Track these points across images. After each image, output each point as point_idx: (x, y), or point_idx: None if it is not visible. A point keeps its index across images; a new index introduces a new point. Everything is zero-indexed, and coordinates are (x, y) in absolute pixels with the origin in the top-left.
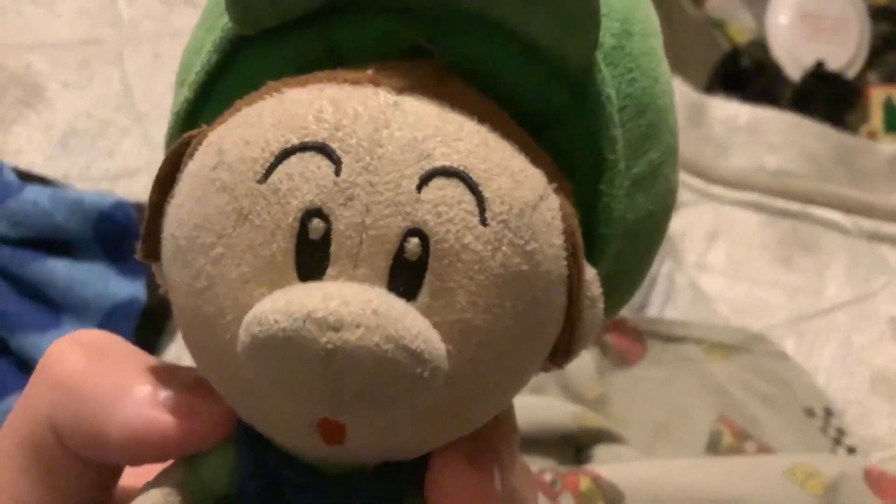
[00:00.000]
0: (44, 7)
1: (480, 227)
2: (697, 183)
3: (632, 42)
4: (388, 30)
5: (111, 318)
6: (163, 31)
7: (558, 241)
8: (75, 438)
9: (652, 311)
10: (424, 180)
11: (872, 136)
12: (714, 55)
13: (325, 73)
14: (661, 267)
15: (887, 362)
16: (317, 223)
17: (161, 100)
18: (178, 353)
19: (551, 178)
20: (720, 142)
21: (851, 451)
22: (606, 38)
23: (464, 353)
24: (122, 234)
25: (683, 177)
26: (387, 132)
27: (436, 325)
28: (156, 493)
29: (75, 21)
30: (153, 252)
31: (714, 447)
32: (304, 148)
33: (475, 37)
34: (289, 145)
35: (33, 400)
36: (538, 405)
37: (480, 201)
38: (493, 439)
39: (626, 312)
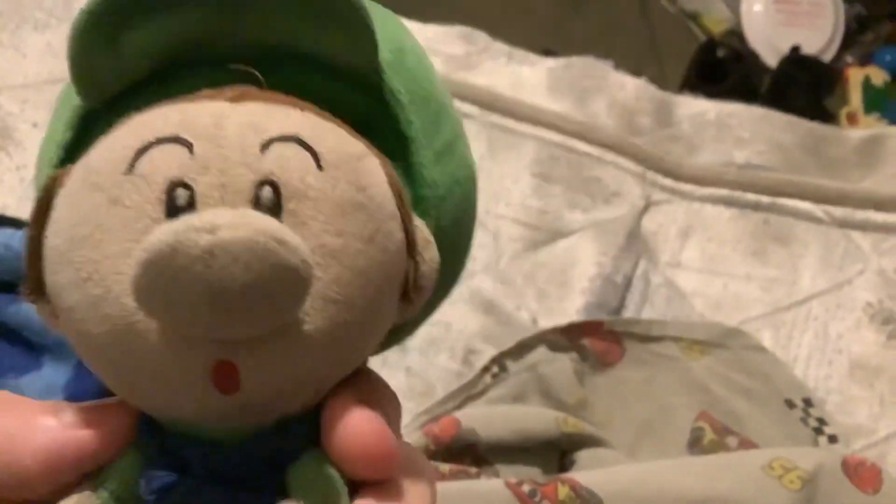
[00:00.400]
0: (10, 48)
1: (318, 172)
2: (668, 182)
3: (406, 57)
4: (216, 78)
5: None
6: None
7: (385, 185)
8: None
9: (628, 311)
10: (265, 146)
11: (852, 117)
12: (691, 47)
13: (167, 102)
14: (636, 267)
15: (865, 349)
16: (181, 191)
17: None
18: None
19: (368, 148)
20: (689, 139)
21: (833, 439)
22: (386, 54)
23: (328, 272)
24: None
25: (654, 176)
26: (227, 121)
27: None
28: (72, 499)
29: (42, 60)
30: (38, 286)
31: (696, 444)
32: (159, 141)
33: (287, 69)
34: (146, 142)
35: None
36: (519, 413)
37: (314, 154)
38: (377, 397)
39: (602, 315)
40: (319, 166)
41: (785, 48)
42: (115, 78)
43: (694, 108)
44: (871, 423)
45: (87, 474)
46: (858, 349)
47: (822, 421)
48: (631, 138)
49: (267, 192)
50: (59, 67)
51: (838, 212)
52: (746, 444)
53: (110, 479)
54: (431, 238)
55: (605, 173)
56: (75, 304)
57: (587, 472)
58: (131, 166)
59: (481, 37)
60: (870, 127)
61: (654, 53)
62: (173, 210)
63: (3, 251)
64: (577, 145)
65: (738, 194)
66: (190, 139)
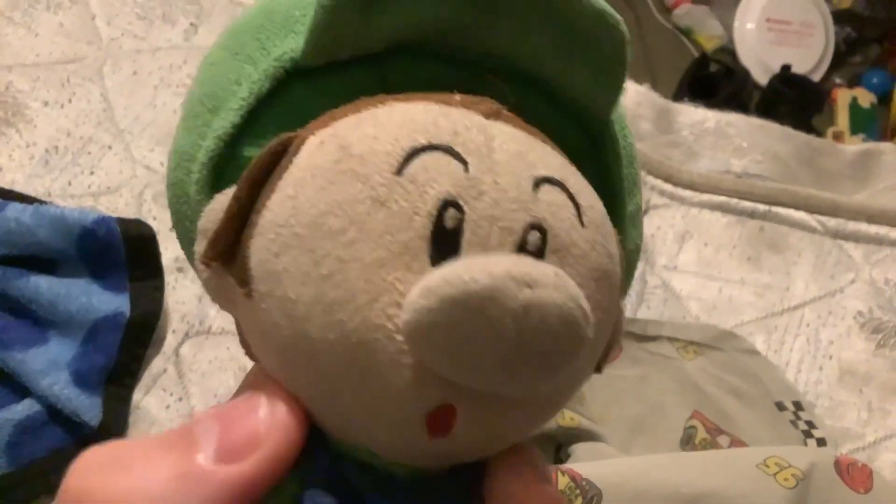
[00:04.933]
0: (22, 27)
1: (581, 228)
2: (667, 187)
3: (619, 107)
4: (437, 74)
5: (96, 332)
6: (142, 48)
7: (619, 252)
8: None
9: (626, 311)
10: (537, 184)
11: (839, 137)
12: (683, 62)
13: (420, 95)
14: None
15: (855, 356)
16: (452, 212)
17: (141, 116)
18: (163, 365)
19: None
20: (689, 146)
21: (821, 443)
22: None
23: None
24: (106, 250)
25: (654, 181)
26: (496, 143)
27: None
28: None
29: (54, 40)
30: (226, 251)
31: (688, 442)
32: (432, 147)
33: (510, 85)
34: (418, 144)
35: None
36: None
37: (577, 207)
38: (537, 457)
39: None
40: (581, 222)
41: (775, 66)
42: (353, 44)
43: (694, 116)
44: (859, 428)
45: None
46: (848, 356)
47: (811, 424)
48: None
49: (535, 237)
50: (72, 48)
51: (831, 222)
52: (738, 444)
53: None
54: (625, 311)
55: None
56: (300, 297)
57: (586, 463)
58: (402, 167)
59: None
60: None
61: (648, 67)
62: (440, 231)
63: (13, 226)
64: None
65: (734, 201)
66: (464, 155)
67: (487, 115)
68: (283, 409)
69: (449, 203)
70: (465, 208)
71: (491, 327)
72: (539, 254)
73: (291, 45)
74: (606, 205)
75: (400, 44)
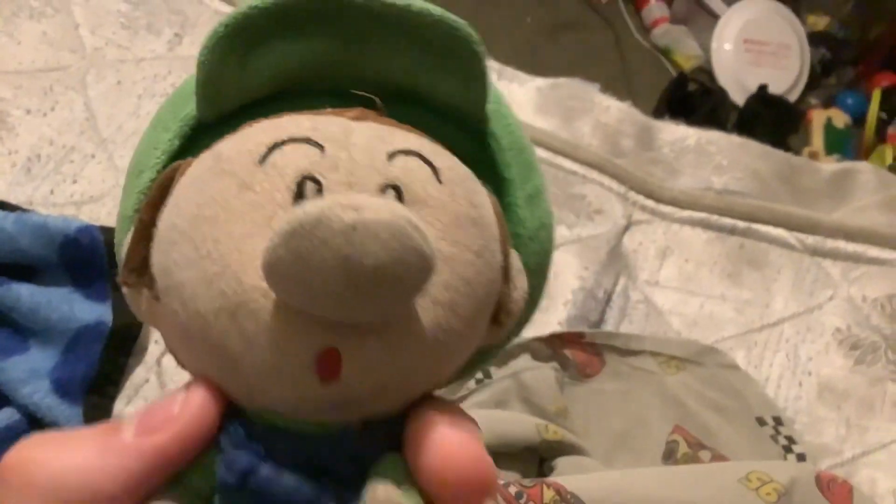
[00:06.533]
0: (4, 34)
1: (438, 184)
2: (649, 203)
3: (502, 108)
4: (335, 105)
5: (77, 341)
6: (126, 58)
7: (491, 209)
8: None
9: (608, 326)
10: (391, 156)
11: (814, 156)
12: (662, 81)
13: (293, 113)
14: (616, 284)
15: (833, 372)
16: (310, 185)
17: (124, 125)
18: (145, 375)
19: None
20: (669, 163)
21: (801, 458)
22: (488, 104)
23: (439, 276)
24: (88, 258)
25: (635, 196)
26: (354, 132)
27: None
28: None
29: (37, 48)
30: (139, 268)
31: (670, 456)
32: (292, 140)
33: (401, 106)
34: (279, 139)
35: None
36: (502, 418)
37: (434, 169)
38: (465, 418)
39: (583, 327)
40: (439, 180)
41: (752, 86)
42: (236, 93)
43: (675, 133)
44: (838, 444)
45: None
46: (827, 372)
47: (791, 439)
48: (614, 159)
49: (390, 194)
50: (54, 56)
51: (810, 240)
52: (719, 458)
53: (195, 475)
54: (521, 267)
55: (589, 191)
56: (187, 280)
57: (571, 476)
58: (264, 158)
59: None
60: None
61: (627, 85)
62: (300, 202)
63: None
64: (563, 163)
65: (715, 218)
66: (321, 142)
67: (355, 118)
68: (198, 394)
69: (306, 178)
70: (322, 181)
71: (325, 249)
72: None
73: (194, 106)
74: (498, 190)
75: (287, 86)
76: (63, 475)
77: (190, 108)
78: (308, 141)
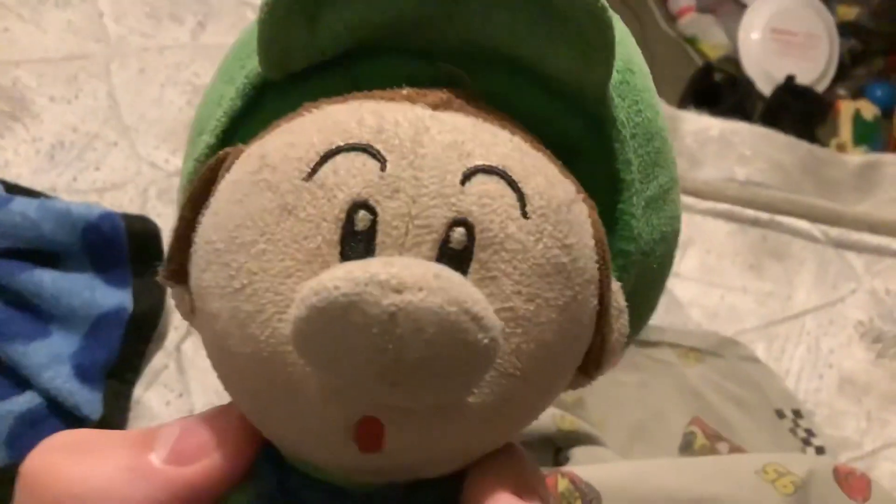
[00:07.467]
0: (31, 23)
1: (522, 219)
2: None
3: (634, 79)
4: (412, 71)
5: (98, 327)
6: (149, 46)
7: (590, 242)
8: None
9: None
10: (467, 176)
11: (841, 148)
12: (687, 70)
13: (362, 94)
14: None
15: (855, 365)
16: (363, 214)
17: (147, 114)
18: (165, 361)
19: (578, 190)
20: (693, 154)
21: (820, 451)
22: (613, 74)
23: (510, 342)
24: (110, 245)
25: None
26: (427, 136)
27: None
28: None
29: (62, 36)
30: (177, 273)
31: (687, 448)
32: (349, 148)
33: (496, 75)
34: (333, 146)
35: None
36: None
37: (521, 196)
38: (529, 480)
39: None
40: (524, 213)
41: (779, 77)
42: (305, 54)
43: (698, 124)
44: (858, 437)
45: None
46: (849, 365)
47: (810, 432)
48: None
49: (459, 234)
50: (79, 45)
51: (833, 232)
52: (736, 450)
53: None
54: (625, 305)
55: None
56: (220, 313)
57: (585, 466)
58: (313, 172)
59: None
60: None
61: (652, 75)
62: (350, 235)
63: (18, 220)
64: None
65: (738, 209)
66: (384, 153)
67: (435, 106)
68: (237, 425)
69: (359, 205)
70: (378, 209)
71: (359, 335)
72: (466, 252)
73: None
74: (611, 188)
75: (368, 43)
76: (84, 495)
77: (256, 61)
78: (367, 150)
